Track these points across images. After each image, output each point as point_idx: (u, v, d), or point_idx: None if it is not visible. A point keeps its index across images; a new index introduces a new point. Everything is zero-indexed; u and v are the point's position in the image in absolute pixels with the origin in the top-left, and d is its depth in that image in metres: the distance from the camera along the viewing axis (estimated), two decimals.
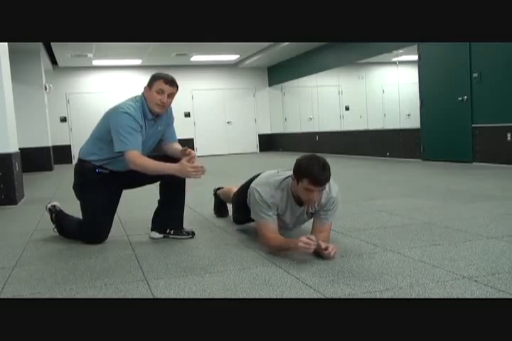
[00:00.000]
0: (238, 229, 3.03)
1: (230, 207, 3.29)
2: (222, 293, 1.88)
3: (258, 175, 2.69)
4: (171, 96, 2.71)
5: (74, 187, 2.89)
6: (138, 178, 2.89)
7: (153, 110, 2.70)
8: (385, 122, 9.47)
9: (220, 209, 3.48)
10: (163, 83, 2.67)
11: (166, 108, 2.75)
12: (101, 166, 2.77)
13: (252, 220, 2.56)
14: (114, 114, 2.65)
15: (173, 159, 2.69)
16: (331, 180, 2.31)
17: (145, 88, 2.72)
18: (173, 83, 2.69)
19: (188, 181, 2.83)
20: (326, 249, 2.19)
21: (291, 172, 2.36)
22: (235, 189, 3.08)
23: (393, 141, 8.52)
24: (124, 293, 1.93)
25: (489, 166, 6.33)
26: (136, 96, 2.75)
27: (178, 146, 2.85)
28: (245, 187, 2.69)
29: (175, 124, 3.01)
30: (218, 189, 3.48)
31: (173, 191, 2.85)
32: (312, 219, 2.53)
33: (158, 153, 2.85)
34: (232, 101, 13.10)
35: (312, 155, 2.27)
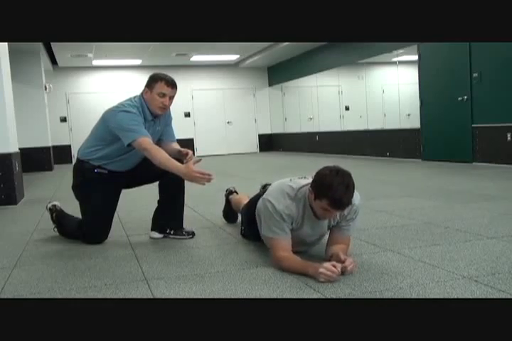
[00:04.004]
0: (240, 235, 3.03)
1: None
2: (222, 293, 1.88)
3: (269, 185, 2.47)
4: (172, 98, 2.72)
5: (73, 188, 2.89)
6: (137, 178, 2.89)
7: (154, 112, 2.71)
8: (385, 122, 9.47)
9: (228, 214, 3.25)
10: (165, 86, 2.65)
11: (167, 109, 2.76)
12: (100, 166, 2.77)
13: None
14: (112, 115, 2.64)
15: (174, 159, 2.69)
16: None
17: (144, 90, 2.71)
18: (174, 85, 2.69)
19: (188, 181, 2.82)
20: (344, 261, 1.96)
21: (306, 181, 2.16)
22: (246, 199, 2.85)
23: (393, 141, 8.52)
24: (124, 293, 1.93)
25: (489, 166, 6.33)
26: (134, 97, 2.74)
27: (177, 146, 2.85)
28: (255, 199, 2.45)
29: (174, 124, 3.00)
30: (230, 192, 3.24)
31: (172, 191, 2.85)
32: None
33: None
34: (232, 101, 13.10)
35: (337, 171, 1.98)
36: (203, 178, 2.40)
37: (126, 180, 2.87)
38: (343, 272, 1.97)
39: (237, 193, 3.25)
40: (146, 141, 2.55)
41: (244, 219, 2.69)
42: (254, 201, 2.46)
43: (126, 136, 2.57)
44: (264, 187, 3.18)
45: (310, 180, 2.12)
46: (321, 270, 1.90)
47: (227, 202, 3.25)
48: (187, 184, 2.86)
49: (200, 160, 2.59)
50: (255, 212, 2.34)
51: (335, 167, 2.02)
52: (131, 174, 2.84)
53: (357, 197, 2.15)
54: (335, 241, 2.19)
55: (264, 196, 2.23)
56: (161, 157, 2.53)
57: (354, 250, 2.42)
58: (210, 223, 3.31)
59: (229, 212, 3.25)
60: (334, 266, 1.91)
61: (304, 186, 2.15)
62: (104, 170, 2.77)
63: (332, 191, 1.93)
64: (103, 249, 2.70)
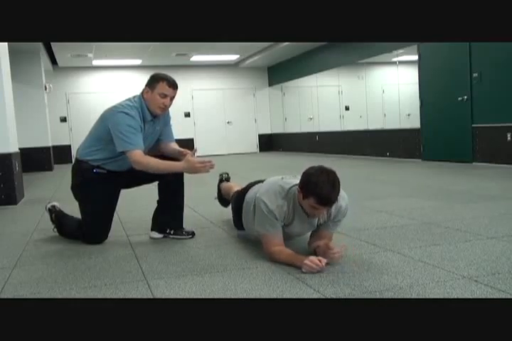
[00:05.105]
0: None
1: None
2: (222, 293, 1.88)
3: (260, 181, 2.59)
4: (173, 98, 2.73)
5: (72, 188, 2.88)
6: (136, 178, 2.89)
7: (154, 112, 2.71)
8: (385, 122, 9.47)
9: (221, 199, 3.36)
10: (167, 86, 2.66)
11: (167, 110, 2.77)
12: (99, 166, 2.76)
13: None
14: (111, 114, 2.64)
15: (172, 159, 2.70)
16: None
17: (144, 89, 2.71)
18: (175, 86, 2.71)
19: (188, 181, 2.83)
20: (332, 249, 2.09)
21: (296, 180, 2.24)
22: (236, 188, 3.00)
23: (393, 141, 8.52)
24: (124, 293, 1.93)
25: (489, 166, 6.33)
26: (134, 97, 2.74)
27: (175, 146, 2.86)
28: (245, 191, 2.61)
29: (175, 124, 3.01)
30: (221, 180, 3.38)
31: (172, 191, 2.85)
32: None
33: (156, 152, 2.85)
34: (232, 101, 13.09)
35: (322, 170, 2.09)
36: (206, 166, 2.50)
37: (125, 179, 2.86)
38: (331, 259, 2.10)
39: (228, 181, 3.41)
40: (137, 154, 2.58)
41: (233, 207, 2.84)
42: (244, 192, 2.59)
43: (119, 144, 2.60)
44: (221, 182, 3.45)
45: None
46: (306, 261, 2.04)
47: (219, 189, 3.38)
48: (187, 184, 2.87)
49: (196, 149, 2.68)
50: (243, 202, 2.48)
51: (320, 166, 2.13)
52: (130, 174, 2.83)
53: (344, 199, 2.26)
54: (320, 236, 2.30)
55: (257, 195, 2.32)
56: (156, 164, 2.60)
57: (354, 250, 2.42)
58: (210, 223, 3.31)
59: (220, 198, 3.38)
60: (320, 261, 2.03)
61: (294, 185, 2.25)
62: (103, 170, 2.77)
63: (318, 189, 2.03)
64: (103, 249, 2.70)
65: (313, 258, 2.05)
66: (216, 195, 3.45)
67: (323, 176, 2.05)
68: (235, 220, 2.83)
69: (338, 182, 2.09)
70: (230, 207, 3.31)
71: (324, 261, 2.04)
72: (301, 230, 2.39)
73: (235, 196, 2.83)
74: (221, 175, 3.45)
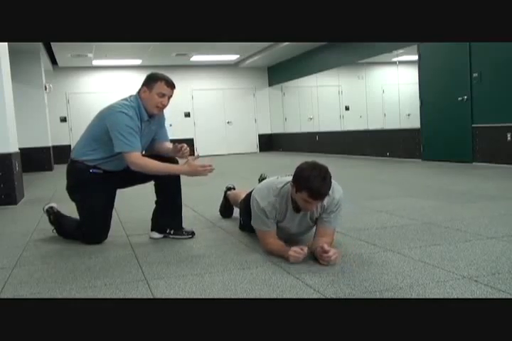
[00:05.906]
0: (238, 229, 3.03)
1: (236, 210, 3.28)
2: (222, 293, 1.88)
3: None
4: (170, 98, 2.73)
5: (68, 189, 2.86)
6: (132, 178, 2.88)
7: (151, 112, 2.71)
8: (385, 122, 9.47)
9: (225, 210, 3.44)
10: (165, 86, 2.67)
11: (164, 109, 2.78)
12: (95, 166, 2.76)
13: None
14: (110, 114, 2.64)
15: (167, 158, 2.72)
16: (333, 181, 2.24)
17: (141, 89, 2.71)
18: (173, 86, 2.73)
19: (187, 181, 2.83)
20: (327, 252, 2.12)
21: (290, 178, 2.30)
22: (243, 194, 3.02)
23: (393, 141, 8.52)
24: (124, 293, 1.93)
25: (489, 166, 6.33)
26: (130, 96, 2.74)
27: (170, 146, 2.86)
28: (250, 194, 2.65)
29: (175, 124, 3.02)
30: (229, 189, 3.44)
31: (170, 192, 2.85)
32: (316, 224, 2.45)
33: (151, 152, 2.86)
34: (232, 101, 13.09)
35: (314, 165, 2.18)
36: (206, 170, 2.58)
37: (121, 179, 2.86)
38: (327, 262, 2.14)
39: (234, 189, 3.44)
40: (135, 155, 2.61)
41: (242, 210, 2.88)
42: (249, 195, 2.62)
43: (117, 144, 2.61)
44: (261, 181, 3.45)
45: None
46: (290, 252, 2.17)
47: (225, 198, 3.42)
48: (188, 184, 2.87)
49: (198, 155, 2.74)
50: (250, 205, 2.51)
51: (313, 161, 2.23)
52: (126, 173, 2.83)
53: (338, 192, 2.36)
54: (319, 234, 2.36)
55: (253, 193, 2.45)
56: (154, 166, 2.63)
57: (354, 250, 2.42)
58: (210, 223, 3.31)
59: (225, 208, 3.43)
60: (301, 249, 2.16)
61: (287, 182, 2.34)
62: (99, 170, 2.77)
63: (310, 183, 2.12)
64: (103, 249, 2.70)
65: (295, 248, 2.17)
66: (219, 208, 3.49)
67: (314, 171, 2.15)
68: (242, 224, 2.91)
69: (330, 177, 2.17)
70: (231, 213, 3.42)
71: (305, 248, 2.17)
72: (294, 226, 2.44)
73: (243, 203, 2.84)
74: (227, 186, 3.50)
